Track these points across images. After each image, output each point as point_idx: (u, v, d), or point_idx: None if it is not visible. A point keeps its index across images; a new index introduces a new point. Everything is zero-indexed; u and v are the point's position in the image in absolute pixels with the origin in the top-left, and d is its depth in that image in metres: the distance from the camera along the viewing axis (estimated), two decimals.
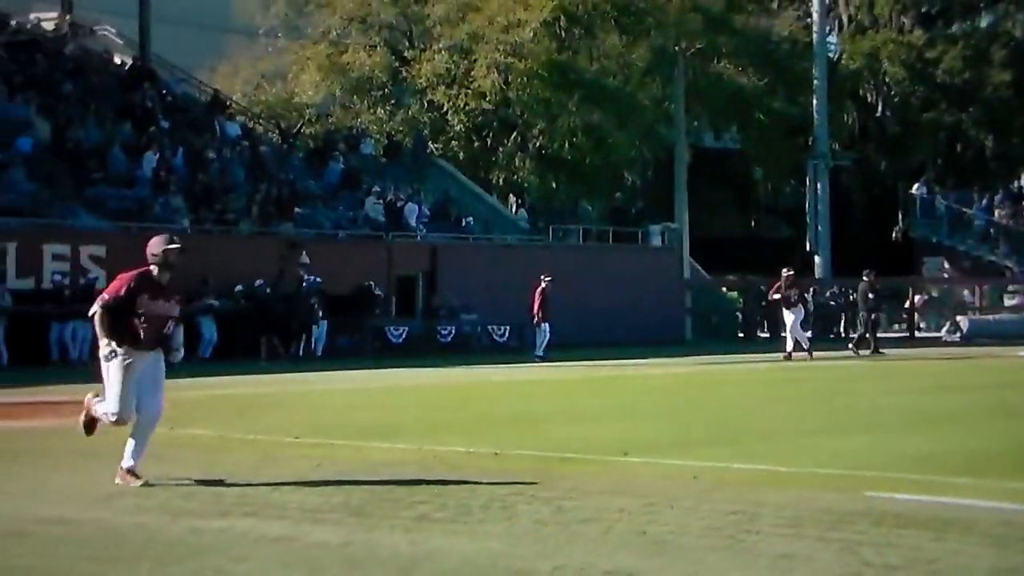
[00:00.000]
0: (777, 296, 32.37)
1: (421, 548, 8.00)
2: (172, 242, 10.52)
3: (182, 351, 10.97)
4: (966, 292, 51.93)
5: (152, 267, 10.41)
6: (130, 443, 10.51)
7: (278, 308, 31.45)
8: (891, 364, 30.40)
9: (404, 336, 34.89)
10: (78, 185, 32.97)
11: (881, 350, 33.35)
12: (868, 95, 59.88)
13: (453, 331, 36.20)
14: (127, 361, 10.20)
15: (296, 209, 36.34)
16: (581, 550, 7.92)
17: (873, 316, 34.23)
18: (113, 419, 10.41)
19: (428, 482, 10.66)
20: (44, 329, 28.64)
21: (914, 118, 59.28)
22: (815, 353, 31.09)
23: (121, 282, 10.32)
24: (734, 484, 10.49)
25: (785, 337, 31.55)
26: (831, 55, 56.79)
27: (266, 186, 37.26)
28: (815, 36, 52.03)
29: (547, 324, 31.43)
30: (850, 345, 34.16)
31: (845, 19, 60.11)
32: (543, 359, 30.80)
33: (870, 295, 33.86)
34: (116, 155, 34.86)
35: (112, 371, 10.24)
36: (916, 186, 55.28)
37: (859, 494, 9.84)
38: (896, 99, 59.40)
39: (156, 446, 13.39)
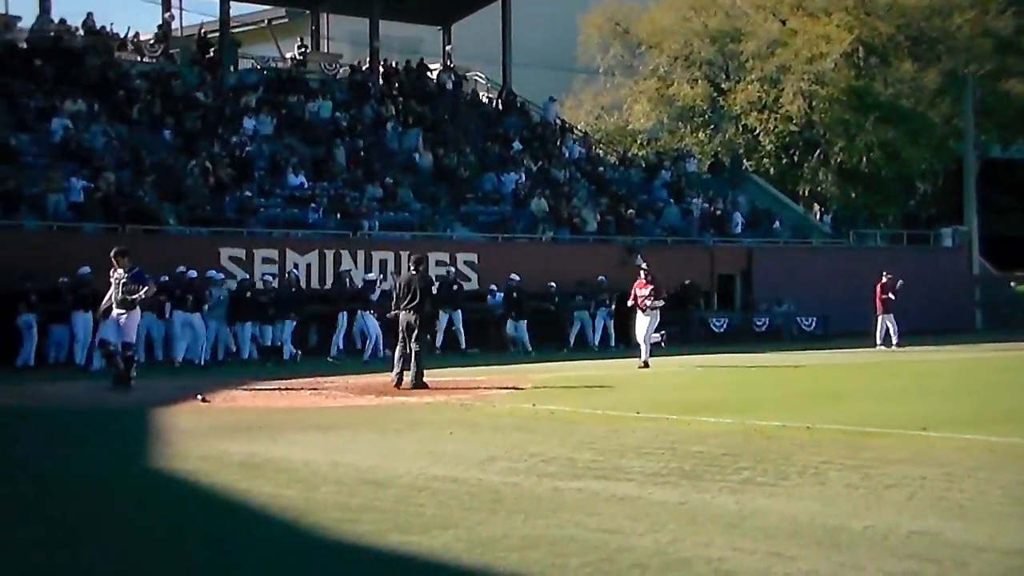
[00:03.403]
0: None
1: (746, 507, 7.93)
2: None
3: None
4: None
5: None
6: None
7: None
8: None
9: (725, 326, 34.51)
10: (454, 203, 34.04)
11: None
12: None
13: (767, 321, 35.61)
14: None
15: (632, 219, 36.48)
16: (888, 512, 7.69)
17: None
18: None
19: (750, 451, 10.54)
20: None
21: None
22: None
23: None
24: None
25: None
26: None
27: (606, 200, 37.63)
28: None
29: (890, 315, 30.09)
30: None
31: None
32: (899, 346, 29.44)
33: None
34: (485, 177, 35.91)
35: None
36: None
37: None
38: None
39: (523, 419, 13.81)
